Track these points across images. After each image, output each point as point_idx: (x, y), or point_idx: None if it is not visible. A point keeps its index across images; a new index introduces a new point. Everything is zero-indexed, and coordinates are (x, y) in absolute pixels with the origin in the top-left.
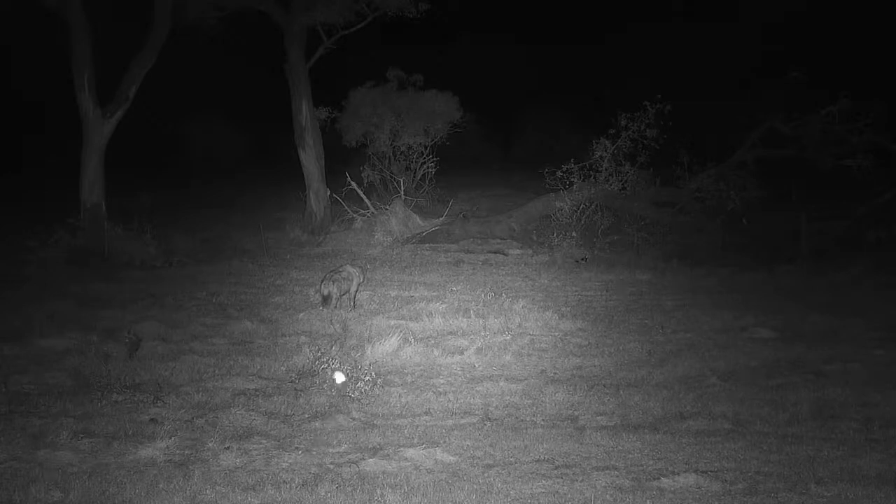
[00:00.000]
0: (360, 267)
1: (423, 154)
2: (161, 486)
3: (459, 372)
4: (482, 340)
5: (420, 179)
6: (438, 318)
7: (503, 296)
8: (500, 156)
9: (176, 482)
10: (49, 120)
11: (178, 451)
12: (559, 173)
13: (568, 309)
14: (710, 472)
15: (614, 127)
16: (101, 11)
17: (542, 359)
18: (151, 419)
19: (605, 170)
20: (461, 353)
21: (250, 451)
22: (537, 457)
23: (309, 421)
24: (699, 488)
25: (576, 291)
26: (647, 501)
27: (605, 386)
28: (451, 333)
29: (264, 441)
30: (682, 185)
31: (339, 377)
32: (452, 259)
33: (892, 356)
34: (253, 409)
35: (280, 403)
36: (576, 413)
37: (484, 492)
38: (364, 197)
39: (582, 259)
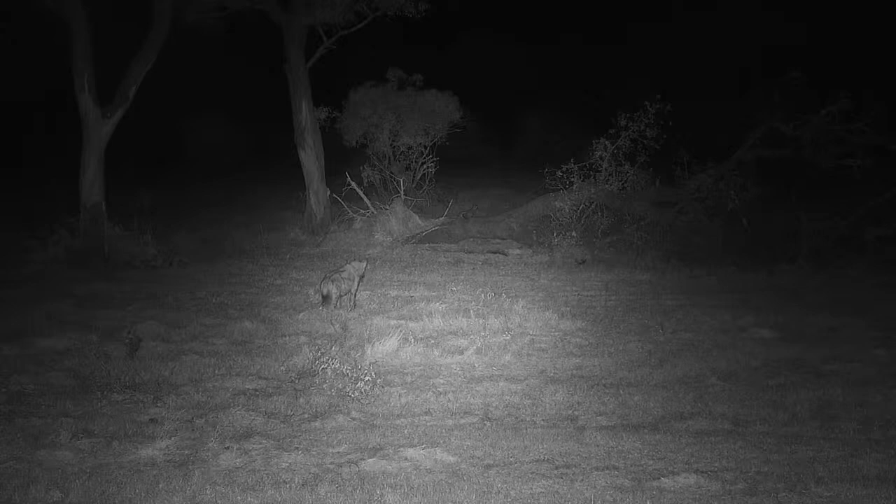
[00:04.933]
0: (360, 260)
1: (423, 154)
2: (161, 486)
3: (459, 372)
4: (482, 340)
5: (420, 179)
6: (438, 318)
7: (503, 296)
8: (500, 156)
9: (176, 482)
10: (49, 119)
11: (178, 451)
12: (559, 173)
13: (568, 309)
14: (710, 472)
15: (614, 127)
16: (100, 11)
17: (542, 359)
18: (151, 419)
19: (605, 170)
20: (461, 353)
21: (250, 451)
22: (537, 457)
23: (309, 421)
24: (699, 488)
25: (576, 291)
26: (647, 501)
27: (605, 386)
28: (450, 333)
29: (264, 441)
30: (682, 185)
31: None
32: (452, 259)
33: (892, 356)
34: (253, 409)
35: (280, 403)
36: (576, 413)
37: (484, 492)
38: (364, 197)
39: (581, 261)
